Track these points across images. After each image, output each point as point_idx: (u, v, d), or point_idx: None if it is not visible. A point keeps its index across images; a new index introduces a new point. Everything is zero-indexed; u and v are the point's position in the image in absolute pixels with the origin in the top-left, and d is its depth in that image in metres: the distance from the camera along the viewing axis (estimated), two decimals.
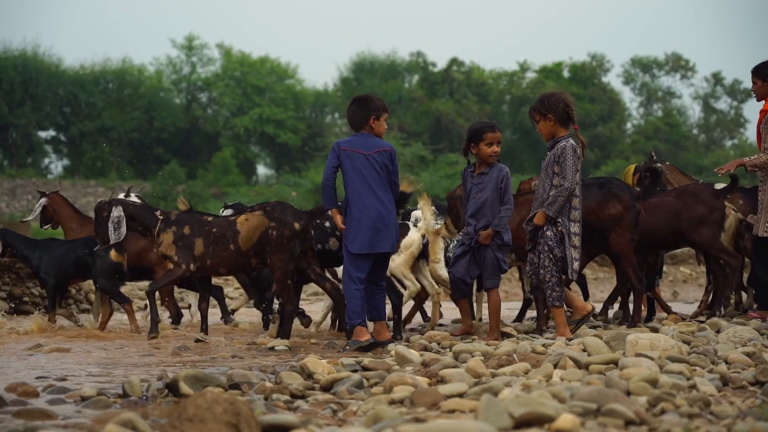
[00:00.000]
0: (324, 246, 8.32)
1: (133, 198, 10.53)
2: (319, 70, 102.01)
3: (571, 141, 6.49)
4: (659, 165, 9.26)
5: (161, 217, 7.93)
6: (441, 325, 9.62)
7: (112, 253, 8.85)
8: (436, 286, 8.54)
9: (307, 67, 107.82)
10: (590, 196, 7.59)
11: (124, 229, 8.00)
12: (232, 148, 47.20)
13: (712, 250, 8.28)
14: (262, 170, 53.13)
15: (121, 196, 10.65)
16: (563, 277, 6.57)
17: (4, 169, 43.65)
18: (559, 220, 6.44)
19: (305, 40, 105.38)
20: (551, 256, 6.46)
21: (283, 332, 7.65)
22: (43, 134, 48.53)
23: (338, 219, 7.00)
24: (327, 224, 8.31)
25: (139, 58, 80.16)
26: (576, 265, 6.45)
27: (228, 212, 9.10)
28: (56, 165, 49.70)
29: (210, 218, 7.88)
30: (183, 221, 7.84)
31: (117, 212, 8.00)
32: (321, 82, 79.35)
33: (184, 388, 4.41)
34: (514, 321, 9.38)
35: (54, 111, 47.08)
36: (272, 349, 7.01)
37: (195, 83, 51.70)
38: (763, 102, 7.94)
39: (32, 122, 45.70)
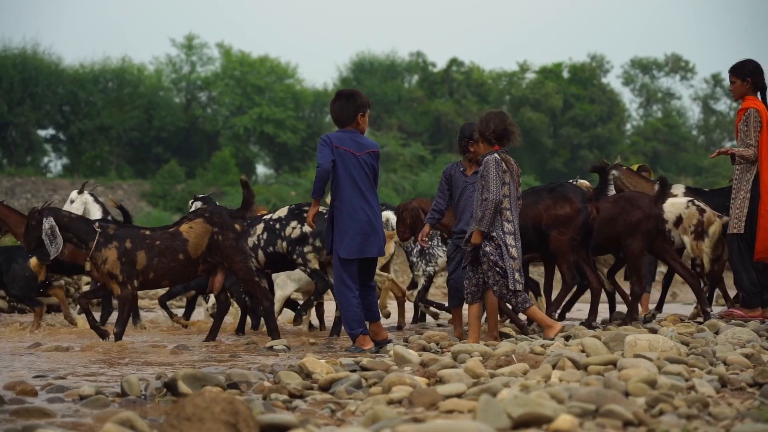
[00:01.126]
0: (273, 248, 8.44)
1: (86, 196, 10.59)
2: (319, 69, 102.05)
3: (495, 155, 6.53)
4: (615, 171, 9.38)
5: (98, 230, 7.69)
6: (440, 325, 9.63)
7: (32, 261, 8.86)
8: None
9: (307, 67, 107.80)
10: (540, 201, 7.91)
11: (60, 240, 7.65)
12: (232, 148, 47.17)
13: (634, 260, 8.33)
14: (261, 170, 53.13)
15: (75, 193, 10.70)
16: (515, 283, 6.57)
17: (3, 168, 43.63)
18: (494, 233, 6.48)
19: (305, 40, 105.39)
20: (497, 269, 6.50)
21: (270, 330, 7.62)
22: (42, 133, 48.49)
23: (313, 212, 6.93)
24: (277, 226, 8.42)
25: (138, 57, 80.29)
26: (518, 275, 6.48)
27: (198, 204, 9.20)
28: (55, 164, 49.69)
29: (148, 231, 7.75)
30: (123, 236, 7.66)
31: (48, 224, 7.60)
32: (321, 82, 79.33)
33: (183, 387, 4.41)
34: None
35: (53, 110, 47.03)
36: (271, 348, 7.02)
37: (194, 82, 51.65)
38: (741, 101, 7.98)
39: (31, 121, 45.66)
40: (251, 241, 8.49)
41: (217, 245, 7.60)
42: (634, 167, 10.87)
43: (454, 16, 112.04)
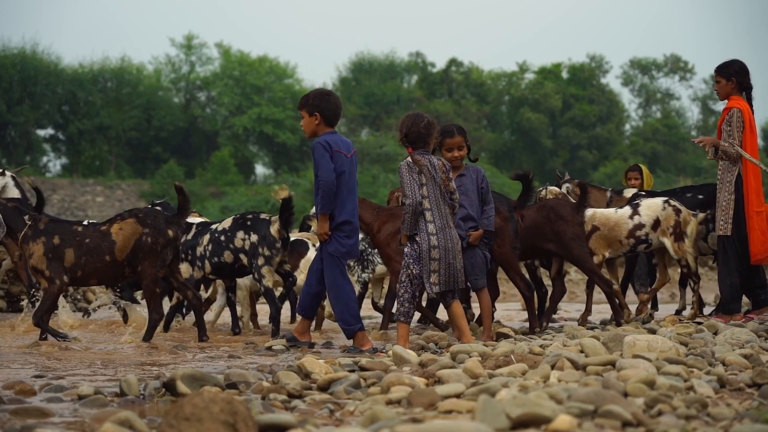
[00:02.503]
0: (219, 259, 8.47)
1: (7, 179, 10.65)
2: (318, 69, 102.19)
3: (407, 159, 6.53)
4: (568, 184, 9.44)
5: (29, 223, 7.59)
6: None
7: None
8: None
9: (306, 67, 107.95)
10: (533, 215, 8.18)
11: (3, 227, 7.60)
12: (231, 148, 47.22)
13: (584, 264, 8.41)
14: (260, 170, 53.18)
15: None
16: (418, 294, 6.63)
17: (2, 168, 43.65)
18: (417, 237, 6.48)
19: (304, 40, 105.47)
20: (408, 272, 6.51)
21: (146, 336, 7.56)
22: (41, 132, 48.54)
23: (325, 228, 6.90)
24: (222, 238, 8.45)
25: (138, 57, 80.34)
26: (435, 277, 6.43)
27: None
28: (54, 163, 49.75)
29: (80, 228, 7.63)
30: (52, 231, 7.53)
31: None
32: (320, 82, 79.24)
33: (182, 387, 4.40)
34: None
35: (52, 109, 47.06)
36: (270, 348, 7.02)
37: (194, 82, 51.70)
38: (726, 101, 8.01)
39: (31, 120, 45.69)
40: (198, 250, 8.55)
41: (141, 247, 7.47)
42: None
43: (454, 16, 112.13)
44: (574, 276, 22.11)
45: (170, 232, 7.53)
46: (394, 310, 6.66)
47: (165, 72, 52.05)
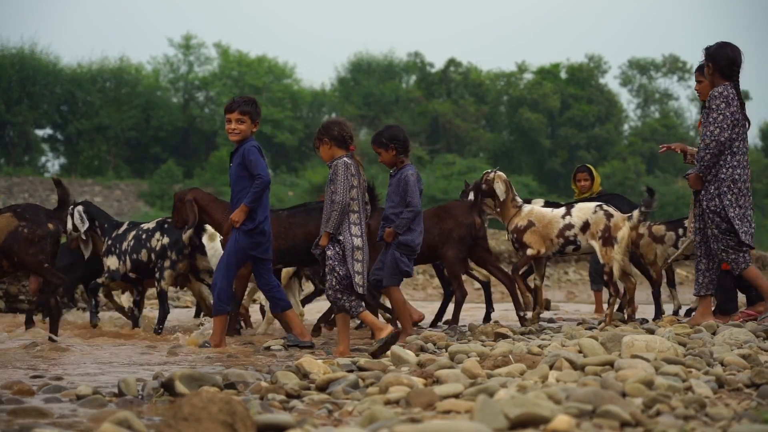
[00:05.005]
0: (137, 256, 8.80)
1: None
2: (317, 70, 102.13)
3: (344, 159, 6.60)
4: (490, 171, 9.56)
5: None
6: (438, 326, 9.63)
7: None
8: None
9: (305, 67, 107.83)
10: (428, 218, 8.50)
11: None
12: (230, 148, 47.19)
13: (450, 268, 8.77)
14: None
15: None
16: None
17: (1, 168, 43.63)
18: (341, 237, 6.52)
19: (303, 40, 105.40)
20: (335, 275, 6.53)
21: (52, 329, 7.70)
22: (40, 132, 48.52)
23: (243, 217, 7.11)
24: (143, 236, 8.78)
25: (136, 57, 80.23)
26: (359, 278, 6.49)
27: (80, 209, 9.36)
28: (53, 163, 49.72)
29: None
30: None
31: None
32: (318, 82, 79.27)
33: (180, 387, 4.40)
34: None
35: (51, 109, 47.05)
36: (268, 348, 7.02)
37: (192, 82, 51.68)
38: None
39: (29, 120, 45.67)
40: (124, 245, 8.88)
41: (17, 239, 7.54)
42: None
43: (452, 16, 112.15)
44: (573, 276, 22.14)
45: (50, 225, 7.60)
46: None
47: (163, 72, 52.04)
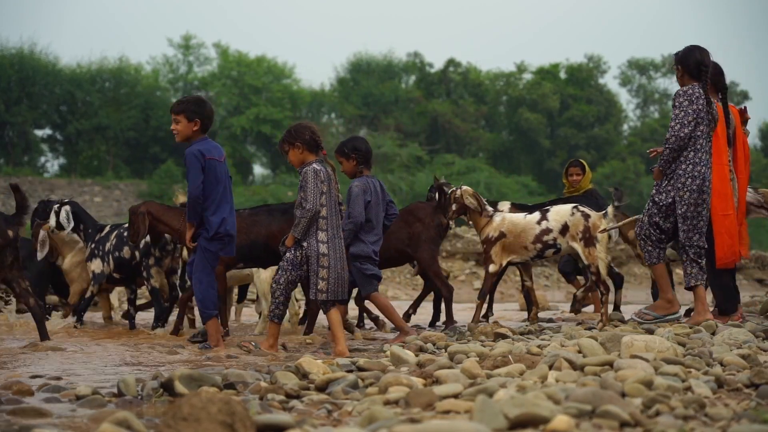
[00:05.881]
0: (119, 254, 9.05)
1: None
2: (316, 70, 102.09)
3: (314, 165, 6.64)
4: (455, 188, 9.65)
5: None
6: (437, 326, 9.64)
7: None
8: None
9: (304, 67, 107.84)
10: (395, 221, 8.45)
11: None
12: (229, 148, 47.16)
13: (429, 270, 8.90)
14: (258, 170, 53.13)
15: None
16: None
17: (0, 168, 43.62)
18: (305, 243, 6.55)
19: (302, 40, 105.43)
20: (286, 276, 6.60)
21: (41, 332, 7.62)
22: (39, 133, 48.49)
23: (190, 235, 7.19)
24: (125, 235, 8.96)
25: (136, 57, 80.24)
26: (322, 284, 6.54)
27: (66, 208, 9.46)
28: (52, 164, 49.69)
29: None
30: None
31: None
32: (318, 82, 79.31)
33: (179, 387, 4.40)
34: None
35: (50, 109, 47.04)
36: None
37: (192, 82, 51.67)
38: None
39: (29, 120, 45.65)
40: (107, 246, 9.07)
41: None
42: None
43: (452, 16, 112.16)
44: None
45: (9, 232, 7.45)
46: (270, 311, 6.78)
47: (163, 72, 52.03)
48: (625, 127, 57.47)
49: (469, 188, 8.55)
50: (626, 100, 59.32)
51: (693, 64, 7.45)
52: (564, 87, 52.94)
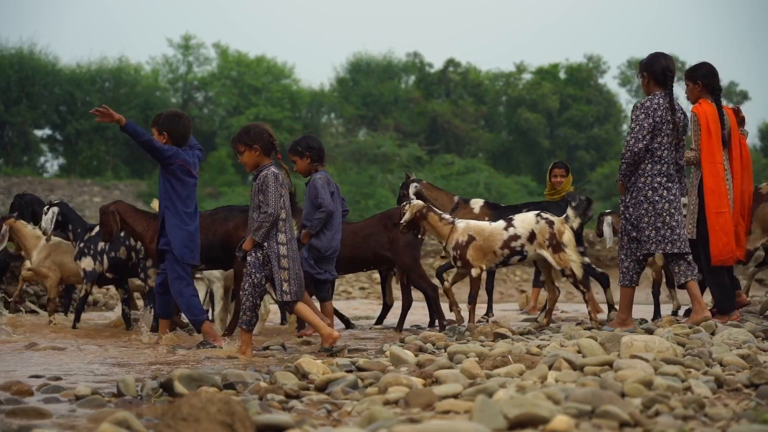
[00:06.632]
0: (115, 254, 9.16)
1: None
2: (316, 70, 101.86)
3: (272, 169, 6.71)
4: (416, 184, 9.65)
5: None
6: (435, 326, 9.64)
7: None
8: None
9: (304, 67, 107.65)
10: (373, 225, 8.95)
11: None
12: (228, 148, 47.16)
13: (412, 273, 9.00)
14: None
15: None
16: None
17: (0, 168, 43.62)
18: (265, 244, 6.58)
19: (302, 40, 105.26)
20: (250, 280, 6.61)
21: None
22: (39, 133, 48.44)
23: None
24: (122, 235, 9.00)
25: (135, 57, 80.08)
26: (286, 286, 6.57)
27: (54, 210, 9.50)
28: (52, 164, 49.63)
29: None
30: None
31: None
32: (317, 82, 79.23)
33: (179, 387, 4.41)
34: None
35: (50, 110, 46.99)
36: (267, 348, 7.02)
37: (191, 83, 51.63)
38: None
39: (28, 121, 45.62)
40: (99, 245, 9.17)
41: None
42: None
43: (451, 16, 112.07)
44: None
45: None
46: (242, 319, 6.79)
47: (162, 72, 51.98)
48: (625, 127, 57.41)
49: (417, 204, 8.47)
50: (626, 100, 59.22)
51: (659, 70, 7.54)
52: (563, 87, 52.90)
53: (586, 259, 9.76)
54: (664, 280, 10.03)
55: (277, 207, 6.54)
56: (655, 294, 9.76)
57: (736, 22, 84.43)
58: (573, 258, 8.14)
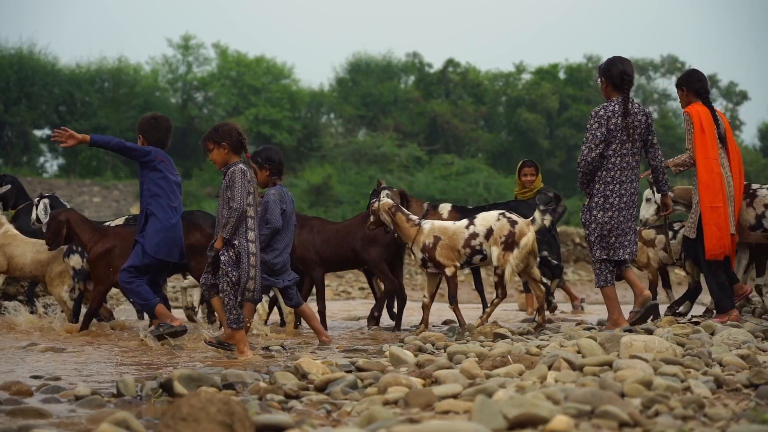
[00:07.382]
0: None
1: None
2: (315, 70, 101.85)
3: (241, 165, 6.76)
4: (387, 191, 9.75)
5: None
6: (433, 326, 9.64)
7: None
8: None
9: (303, 67, 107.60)
10: (354, 224, 9.15)
11: None
12: None
13: (375, 268, 9.17)
14: None
15: None
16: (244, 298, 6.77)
17: None
18: (236, 241, 6.61)
19: (301, 40, 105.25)
20: (227, 279, 6.64)
21: None
22: (38, 133, 48.43)
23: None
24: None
25: (135, 57, 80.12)
26: (251, 283, 6.66)
27: (45, 202, 9.52)
28: (51, 164, 49.62)
29: None
30: None
31: None
32: (317, 83, 79.24)
33: (179, 387, 4.41)
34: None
35: (50, 110, 46.98)
36: (267, 349, 7.02)
37: (191, 83, 51.61)
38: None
39: (28, 121, 45.61)
40: None
41: None
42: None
43: (451, 17, 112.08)
44: (571, 277, 22.12)
45: None
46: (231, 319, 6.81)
47: (162, 72, 51.95)
48: None
49: (387, 202, 8.54)
50: None
51: (616, 74, 7.69)
52: (563, 87, 52.89)
53: (545, 253, 10.13)
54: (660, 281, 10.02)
55: (243, 203, 6.59)
56: (655, 294, 9.75)
57: (736, 22, 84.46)
58: (513, 262, 8.15)
